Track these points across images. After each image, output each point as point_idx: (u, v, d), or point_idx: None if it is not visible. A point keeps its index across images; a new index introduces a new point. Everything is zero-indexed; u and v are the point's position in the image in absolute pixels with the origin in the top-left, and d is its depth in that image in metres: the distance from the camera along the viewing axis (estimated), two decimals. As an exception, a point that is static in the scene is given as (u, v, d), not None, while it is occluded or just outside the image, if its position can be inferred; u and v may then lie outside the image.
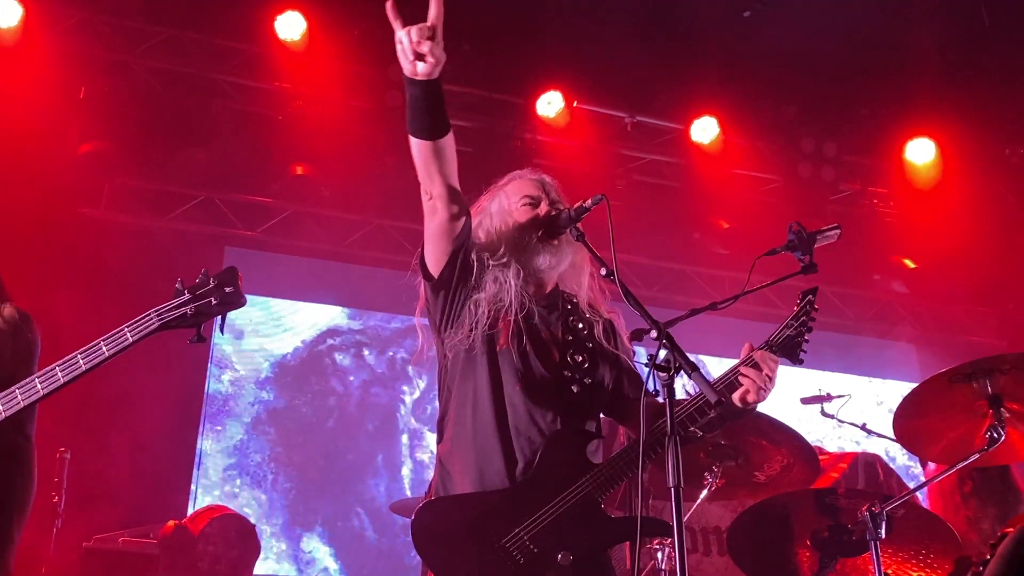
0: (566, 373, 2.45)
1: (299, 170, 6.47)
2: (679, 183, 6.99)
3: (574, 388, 2.44)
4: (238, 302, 2.36)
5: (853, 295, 7.73)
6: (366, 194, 6.53)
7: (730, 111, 6.56)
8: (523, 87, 6.42)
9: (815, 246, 2.53)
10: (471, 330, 2.42)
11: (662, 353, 2.02)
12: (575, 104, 6.48)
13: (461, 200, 2.45)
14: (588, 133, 6.64)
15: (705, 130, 6.63)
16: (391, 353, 7.02)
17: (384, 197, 6.47)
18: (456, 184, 2.44)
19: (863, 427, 4.85)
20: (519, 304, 2.45)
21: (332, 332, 6.99)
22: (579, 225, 2.44)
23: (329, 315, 7.04)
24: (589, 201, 2.38)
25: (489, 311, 2.44)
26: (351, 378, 6.91)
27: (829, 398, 4.91)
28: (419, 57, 2.19)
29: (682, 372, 2.00)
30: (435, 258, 2.47)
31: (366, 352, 6.99)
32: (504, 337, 2.43)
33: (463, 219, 2.45)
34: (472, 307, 2.44)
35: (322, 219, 6.73)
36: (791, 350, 2.44)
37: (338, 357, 6.94)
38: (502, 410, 2.39)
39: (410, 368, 6.95)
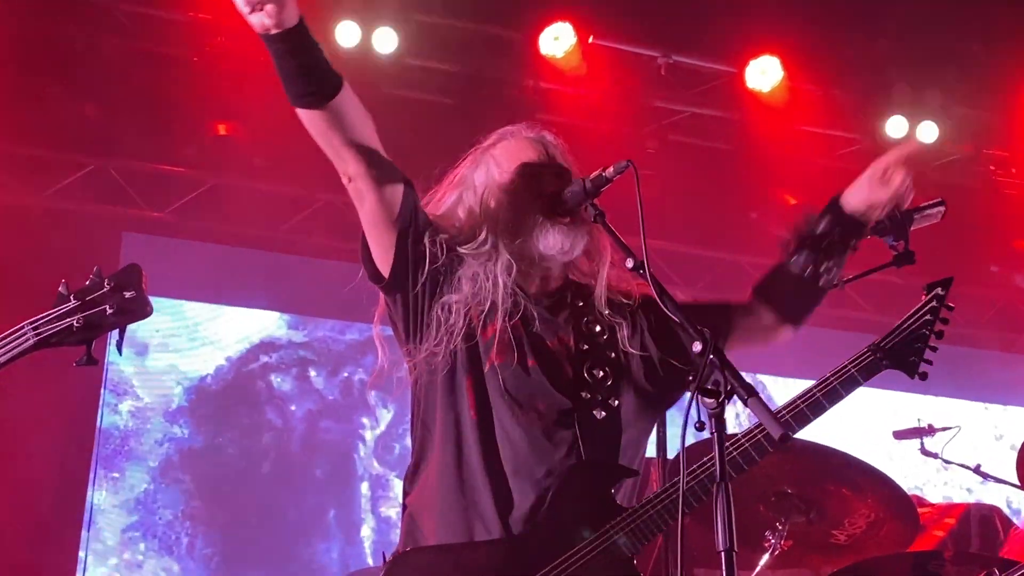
0: (584, 394, 2.47)
1: (221, 129, 6.48)
2: (730, 145, 7.00)
3: (597, 413, 2.47)
4: (142, 311, 2.38)
5: (964, 294, 7.71)
6: (310, 161, 6.50)
7: (797, 48, 6.57)
8: (521, 17, 6.42)
9: (911, 228, 2.56)
10: (444, 343, 2.44)
11: (710, 373, 2.04)
12: (591, 40, 6.49)
13: (390, 169, 2.48)
14: (608, 79, 6.65)
15: (764, 73, 6.64)
16: (346, 374, 7.03)
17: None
18: (377, 150, 2.46)
19: (977, 469, 4.88)
20: (511, 304, 2.47)
21: (267, 346, 6.99)
22: (597, 201, 2.44)
23: (262, 323, 7.05)
24: (611, 169, 2.38)
25: (467, 317, 2.46)
26: (293, 407, 6.92)
27: (931, 431, 4.94)
28: (256, 5, 2.20)
29: (735, 398, 2.01)
30: (380, 253, 2.50)
31: (313, 373, 7.00)
32: (495, 350, 2.44)
33: (400, 193, 2.47)
34: (441, 313, 2.46)
35: (252, 195, 6.74)
36: (909, 360, 2.46)
37: (275, 380, 6.95)
38: (492, 447, 2.41)
39: (371, 394, 6.96)
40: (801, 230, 2.62)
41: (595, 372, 2.49)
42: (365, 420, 6.98)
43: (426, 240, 2.48)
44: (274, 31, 2.24)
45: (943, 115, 6.80)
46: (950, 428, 4.91)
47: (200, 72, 6.19)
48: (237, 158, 6.53)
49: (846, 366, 2.50)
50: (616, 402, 2.49)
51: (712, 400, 2.00)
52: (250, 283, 6.90)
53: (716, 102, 6.88)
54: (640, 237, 2.27)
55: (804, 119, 6.86)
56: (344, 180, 2.46)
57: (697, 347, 2.06)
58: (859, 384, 2.50)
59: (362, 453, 6.93)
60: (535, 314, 2.51)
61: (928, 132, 6.77)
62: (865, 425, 8.37)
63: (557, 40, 6.40)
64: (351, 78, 2.43)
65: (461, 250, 2.51)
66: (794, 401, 2.47)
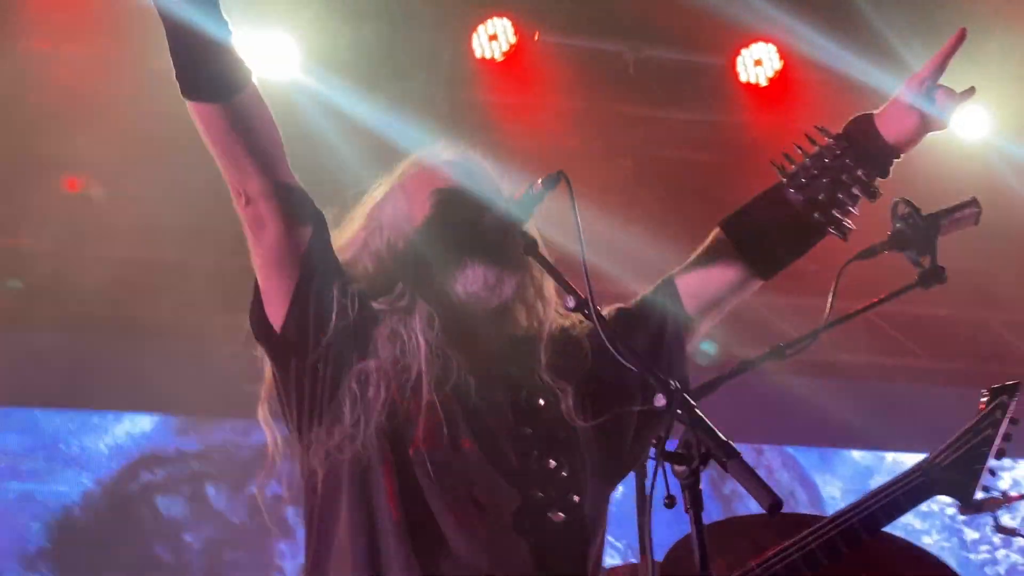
0: (537, 493, 2.44)
1: (69, 186, 6.47)
2: (723, 155, 7.09)
3: (554, 515, 2.44)
4: None
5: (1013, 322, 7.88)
6: (187, 217, 6.54)
7: (798, 31, 6.67)
8: (450, 13, 6.49)
9: (939, 236, 2.60)
10: (362, 424, 2.41)
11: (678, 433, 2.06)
12: (537, 37, 6.57)
13: (300, 194, 2.49)
14: (563, 83, 6.73)
15: (760, 63, 6.76)
16: (254, 488, 6.97)
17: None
18: (287, 169, 2.48)
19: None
20: (440, 370, 2.46)
21: (149, 460, 6.96)
22: (531, 227, 2.48)
23: (141, 431, 7.00)
24: (539, 184, 2.41)
25: (388, 389, 2.44)
26: (188, 537, 6.86)
27: (1008, 501, 4.98)
28: None
29: (711, 463, 2.02)
30: (274, 301, 2.49)
31: (211, 490, 6.95)
32: (421, 430, 2.42)
33: (311, 229, 2.49)
34: (355, 384, 2.44)
35: (113, 264, 6.72)
36: (963, 484, 2.49)
37: (162, 503, 6.89)
38: (428, 556, 2.37)
39: (290, 511, 6.91)
40: (811, 149, 2.59)
41: (545, 462, 2.47)
42: (283, 546, 6.94)
43: (335, 290, 2.48)
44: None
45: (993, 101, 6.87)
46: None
47: (38, 114, 6.20)
48: (91, 220, 6.54)
49: (891, 488, 2.52)
50: (576, 498, 2.48)
51: (683, 467, 2.01)
52: (120, 379, 6.86)
53: (702, 104, 6.96)
54: (582, 265, 2.28)
55: (814, 117, 6.92)
56: (239, 201, 2.46)
57: (660, 401, 2.08)
58: (903, 512, 2.54)
59: (282, 589, 6.89)
60: (470, 382, 2.49)
61: (976, 123, 6.80)
62: (931, 505, 8.46)
63: (494, 40, 6.49)
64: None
65: (375, 305, 2.51)
66: (824, 528, 2.50)
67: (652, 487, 1.99)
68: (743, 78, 6.76)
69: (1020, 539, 4.94)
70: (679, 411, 2.06)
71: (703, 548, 1.97)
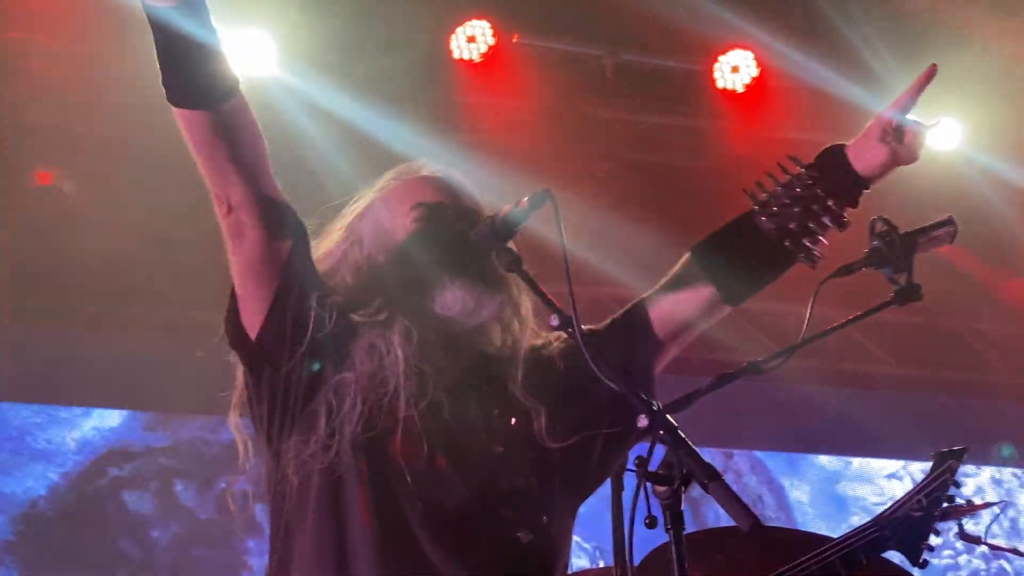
0: (506, 512, 2.46)
1: (41, 179, 6.44)
2: (700, 161, 7.11)
3: (523, 536, 2.45)
4: None
5: (980, 331, 7.93)
6: (162, 212, 6.51)
7: (775, 37, 6.70)
8: (428, 13, 6.49)
9: (915, 254, 2.62)
10: (337, 437, 2.41)
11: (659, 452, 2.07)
12: (515, 39, 6.58)
13: (282, 203, 2.50)
14: (541, 86, 6.74)
15: (737, 70, 6.78)
16: (223, 485, 6.97)
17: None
18: (271, 179, 2.49)
19: (1034, 557, 4.94)
20: (416, 386, 2.46)
21: (117, 455, 6.94)
22: (513, 244, 2.48)
23: (109, 426, 6.97)
24: (525, 203, 2.40)
25: (365, 402, 2.44)
26: (155, 533, 6.84)
27: (971, 510, 4.99)
28: None
29: (692, 484, 2.03)
30: (251, 310, 2.50)
31: (179, 486, 6.94)
32: (398, 446, 2.43)
33: (292, 239, 2.50)
34: (332, 396, 2.44)
35: (87, 260, 6.70)
36: (912, 541, 2.54)
37: (130, 498, 6.87)
38: (399, 573, 2.37)
39: (258, 508, 6.89)
40: (782, 178, 2.61)
41: (516, 482, 2.48)
42: (251, 543, 6.92)
43: (313, 300, 2.48)
44: (161, 5, 2.27)
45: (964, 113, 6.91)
46: (993, 504, 4.97)
47: (9, 106, 6.16)
48: (62, 215, 6.51)
49: (849, 540, 2.58)
50: (545, 518, 2.49)
51: (664, 488, 2.01)
52: (89, 373, 6.82)
53: (679, 108, 6.98)
54: (566, 281, 2.28)
55: (788, 125, 6.97)
56: (220, 209, 2.47)
57: (643, 422, 2.09)
58: (860, 565, 2.58)
59: (249, 588, 6.87)
60: (444, 400, 2.50)
61: (947, 134, 6.84)
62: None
63: (472, 42, 6.49)
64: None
65: (353, 317, 2.51)
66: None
67: (634, 507, 2.00)
68: (720, 84, 6.80)
69: (983, 546, 4.96)
70: (661, 432, 2.06)
71: (683, 568, 1.97)
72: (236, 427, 2.60)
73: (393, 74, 6.42)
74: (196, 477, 6.98)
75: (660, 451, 2.33)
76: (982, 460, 8.29)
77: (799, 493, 8.36)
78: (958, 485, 2.69)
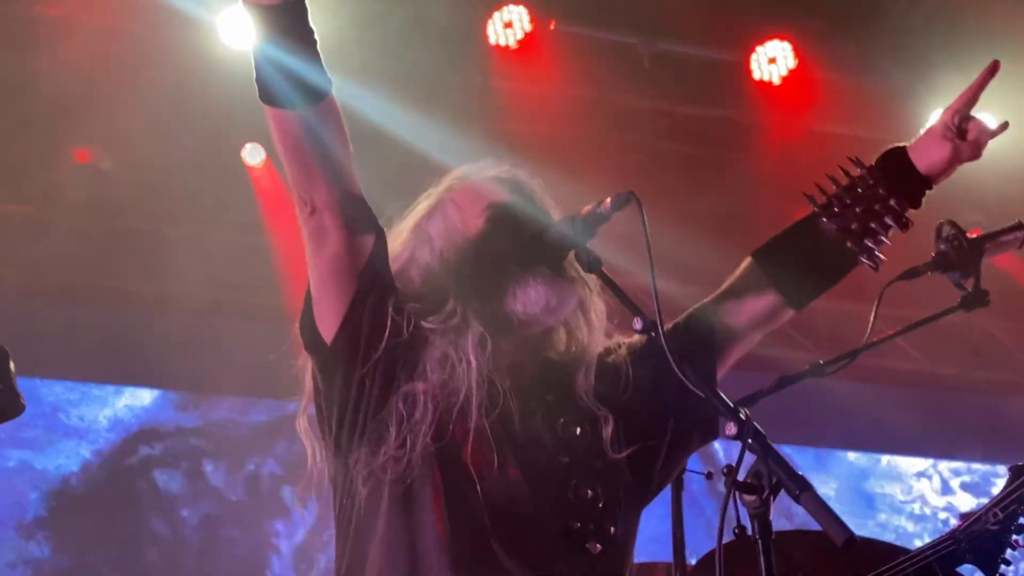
0: (575, 524, 2.42)
1: (79, 157, 6.45)
2: (734, 152, 7.08)
3: (592, 547, 2.42)
4: (13, 408, 2.37)
5: (1013, 330, 7.87)
6: (193, 194, 6.52)
7: (813, 29, 6.66)
8: (464, 1, 6.47)
9: (983, 260, 2.58)
10: (408, 446, 2.38)
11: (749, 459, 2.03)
12: (552, 26, 6.56)
13: (364, 208, 2.48)
14: (577, 74, 6.72)
15: (774, 61, 6.74)
16: (252, 467, 6.99)
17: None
18: (355, 183, 2.46)
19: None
20: (486, 396, 2.43)
21: (148, 434, 6.96)
22: (592, 245, 2.44)
23: (141, 405, 7.00)
24: (608, 203, 2.36)
25: (436, 412, 2.41)
26: (184, 512, 6.86)
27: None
28: None
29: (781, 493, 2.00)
30: (327, 314, 2.46)
31: (209, 467, 6.96)
32: (470, 454, 2.40)
33: (372, 241, 2.47)
34: (402, 405, 2.41)
35: (121, 239, 6.73)
36: (988, 555, 2.51)
37: (160, 477, 6.90)
38: None
39: (286, 490, 6.91)
40: (843, 180, 2.56)
41: (583, 492, 2.45)
42: (280, 526, 6.94)
43: (390, 306, 2.46)
44: (275, 0, 2.27)
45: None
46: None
47: (52, 83, 6.18)
48: (101, 192, 6.52)
49: (924, 552, 2.55)
50: (613, 528, 2.47)
51: (753, 497, 1.99)
52: (124, 353, 6.84)
53: (715, 100, 6.95)
54: (652, 291, 2.24)
55: (825, 117, 6.93)
56: (303, 211, 2.45)
57: (731, 429, 2.05)
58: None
59: (276, 568, 6.88)
60: (513, 408, 2.47)
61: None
62: (919, 503, 8.44)
63: (509, 28, 6.47)
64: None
65: (424, 324, 2.47)
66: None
67: (723, 516, 1.98)
68: (756, 75, 6.75)
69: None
70: (750, 440, 2.03)
71: (771, 570, 1.97)
72: (304, 431, 2.57)
73: (429, 58, 6.41)
74: (226, 458, 7.00)
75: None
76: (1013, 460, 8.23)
77: (827, 489, 8.32)
78: None
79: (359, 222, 2.45)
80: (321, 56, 2.37)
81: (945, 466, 8.51)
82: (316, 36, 2.36)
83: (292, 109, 2.37)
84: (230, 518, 6.90)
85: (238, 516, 6.91)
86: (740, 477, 2.01)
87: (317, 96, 2.37)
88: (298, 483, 2.60)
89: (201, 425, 7.05)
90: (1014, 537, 2.69)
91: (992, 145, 2.53)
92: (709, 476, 2.06)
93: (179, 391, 7.05)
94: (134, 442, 6.96)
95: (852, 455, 8.46)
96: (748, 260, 2.67)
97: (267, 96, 2.38)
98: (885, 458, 8.50)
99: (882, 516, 8.31)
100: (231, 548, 6.87)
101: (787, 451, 8.19)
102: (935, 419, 8.09)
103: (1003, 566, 2.62)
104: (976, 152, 2.53)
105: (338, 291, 2.45)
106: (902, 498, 8.41)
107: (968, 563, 2.62)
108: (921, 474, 8.50)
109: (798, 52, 6.69)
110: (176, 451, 6.97)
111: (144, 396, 7.02)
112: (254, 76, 2.38)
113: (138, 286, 6.83)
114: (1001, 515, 2.62)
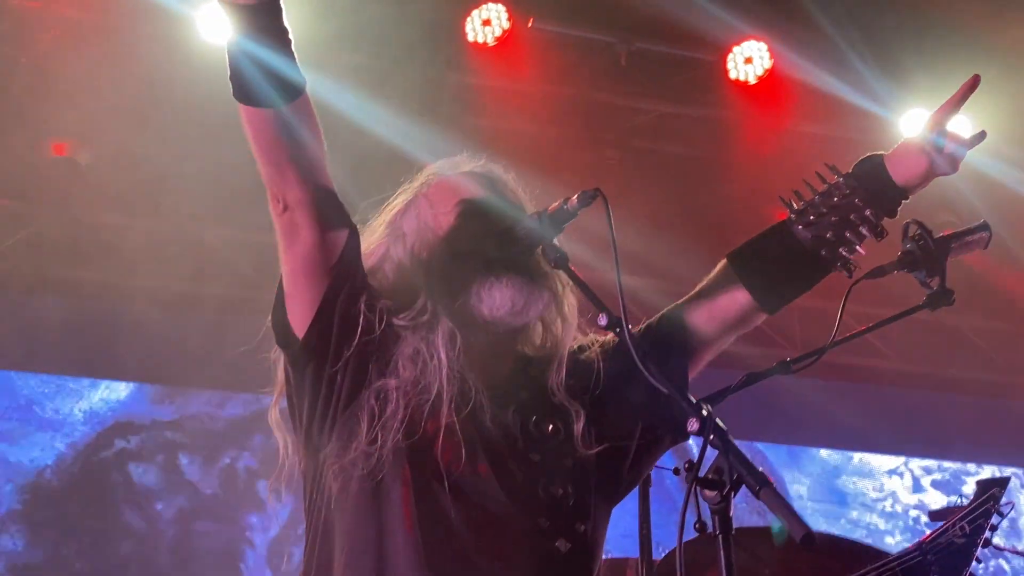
0: (543, 521, 2.43)
1: (56, 150, 6.43)
2: (709, 151, 7.10)
3: (561, 545, 2.43)
4: None
5: (1017, 332, 7.91)
6: (170, 188, 6.50)
7: (789, 29, 6.68)
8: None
9: (948, 259, 2.59)
10: (379, 441, 2.38)
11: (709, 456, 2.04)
12: (531, 24, 6.56)
13: (337, 204, 2.48)
14: (555, 72, 6.72)
15: (750, 61, 6.76)
16: (227, 460, 6.97)
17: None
18: (328, 180, 2.47)
19: (1034, 555, 4.92)
20: (457, 392, 2.43)
21: (123, 427, 6.94)
22: (559, 241, 2.45)
23: (117, 398, 6.97)
24: (575, 200, 2.36)
25: (408, 408, 2.41)
26: (159, 506, 6.84)
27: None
28: None
29: (742, 489, 2.00)
30: (299, 309, 2.46)
31: (184, 460, 6.94)
32: (440, 450, 2.40)
33: (344, 237, 2.47)
34: (373, 401, 2.41)
35: (98, 234, 6.69)
36: (954, 568, 2.53)
37: (135, 471, 6.87)
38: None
39: (262, 484, 6.90)
40: (819, 187, 2.55)
41: (553, 491, 2.45)
42: (254, 518, 6.92)
43: (362, 304, 2.46)
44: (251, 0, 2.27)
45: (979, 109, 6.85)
46: (1002, 505, 4.94)
47: (28, 76, 6.16)
48: (75, 184, 6.50)
49: (890, 564, 2.57)
50: (583, 527, 2.47)
51: (714, 493, 1.99)
52: (99, 346, 6.81)
53: (691, 98, 6.97)
54: (617, 288, 2.25)
55: (800, 116, 6.96)
56: (276, 208, 2.45)
57: (693, 425, 2.05)
58: None
59: (251, 562, 6.87)
60: (485, 405, 2.47)
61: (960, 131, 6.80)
62: (891, 501, 8.48)
63: (488, 25, 6.47)
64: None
65: (396, 321, 2.48)
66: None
67: (684, 512, 1.98)
68: (733, 75, 6.78)
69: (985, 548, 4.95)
70: (712, 436, 2.04)
71: (730, 565, 1.97)
72: (276, 423, 2.57)
73: (407, 55, 6.41)
74: (201, 451, 6.98)
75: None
76: (985, 459, 8.31)
77: (799, 487, 8.35)
78: (1002, 514, 2.69)
79: (332, 219, 2.45)
80: (295, 54, 2.36)
81: (916, 464, 8.55)
82: (291, 35, 2.35)
83: (266, 107, 2.37)
84: (205, 512, 6.88)
85: (213, 510, 6.90)
86: (702, 473, 2.01)
87: (291, 94, 2.37)
88: (284, 480, 2.61)
89: (177, 418, 7.02)
90: (979, 551, 2.72)
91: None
92: (677, 472, 2.05)
93: (155, 384, 7.03)
94: (109, 435, 6.93)
95: (825, 452, 8.48)
96: (723, 263, 2.67)
97: (241, 94, 2.38)
98: (857, 455, 8.54)
99: (854, 513, 8.34)
100: (205, 542, 6.84)
101: (761, 448, 8.23)
102: (907, 417, 8.14)
103: None
104: (953, 166, 2.51)
105: (310, 287, 2.45)
106: (874, 495, 8.44)
107: (934, 575, 2.65)
108: (893, 471, 8.53)
109: (773, 52, 6.72)
110: (151, 444, 6.95)
111: (120, 389, 6.99)
112: (228, 74, 2.37)
113: (114, 278, 6.80)
114: (968, 528, 2.64)
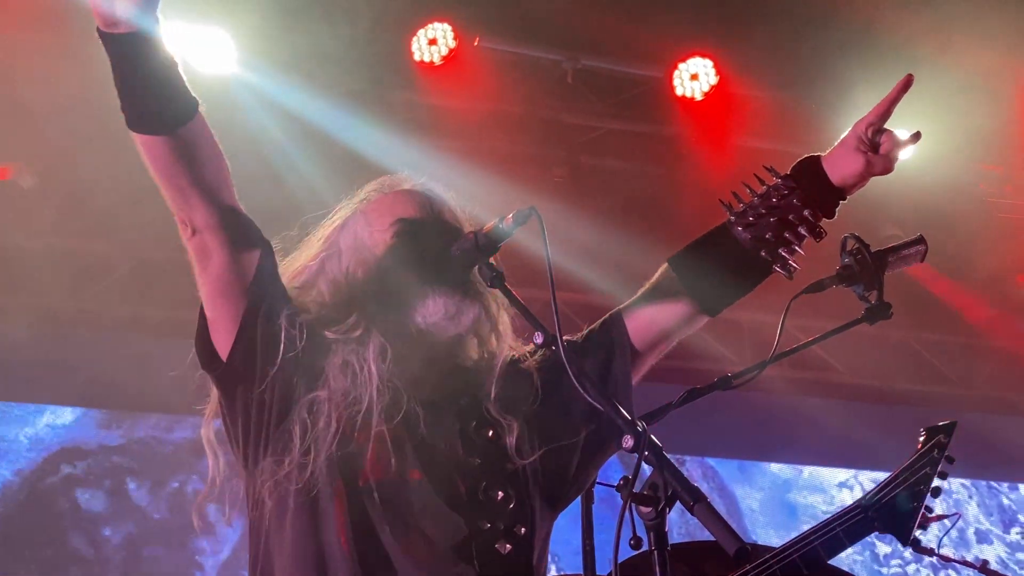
0: (484, 523, 2.43)
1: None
2: (658, 167, 7.13)
3: (501, 547, 2.43)
4: None
5: (964, 344, 7.98)
6: (116, 211, 6.45)
7: (734, 46, 6.73)
8: (390, 15, 6.46)
9: (886, 272, 2.61)
10: (312, 455, 2.38)
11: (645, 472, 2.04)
12: (476, 42, 6.57)
13: (246, 223, 2.49)
14: (501, 90, 6.73)
15: (696, 78, 6.80)
16: (176, 484, 6.92)
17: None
18: (233, 199, 2.47)
19: (984, 568, 4.95)
20: (389, 401, 2.43)
21: (70, 453, 6.88)
22: (496, 260, 2.45)
23: (63, 423, 6.90)
24: (510, 219, 2.37)
25: (339, 420, 2.41)
26: (107, 531, 6.78)
27: (924, 521, 4.99)
28: None
29: (676, 505, 2.01)
30: (220, 331, 2.48)
31: (132, 485, 6.88)
32: (370, 461, 2.40)
33: (257, 256, 2.48)
34: (305, 414, 2.41)
35: (40, 256, 6.63)
36: (903, 521, 2.53)
37: (82, 496, 6.81)
38: None
39: (211, 508, 6.82)
40: (758, 188, 2.58)
41: (492, 493, 2.46)
42: (205, 544, 6.87)
43: (283, 320, 2.46)
44: (121, 31, 2.25)
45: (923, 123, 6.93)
46: (947, 516, 4.97)
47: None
48: (19, 209, 6.43)
49: (831, 524, 2.56)
50: (523, 529, 2.47)
51: (649, 509, 2.01)
52: (42, 371, 6.75)
53: (637, 115, 7.01)
54: (551, 302, 2.25)
55: (747, 132, 6.99)
56: (185, 232, 2.45)
57: (628, 442, 2.06)
58: (844, 547, 2.57)
59: (201, 588, 6.82)
60: (419, 413, 2.47)
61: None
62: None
63: (434, 44, 6.48)
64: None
65: (327, 334, 2.49)
66: (767, 562, 2.51)
67: (619, 528, 1.98)
68: (679, 91, 6.81)
69: (932, 557, 4.96)
70: (647, 452, 2.04)
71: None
72: (208, 442, 2.58)
73: (354, 74, 6.40)
74: (149, 476, 6.91)
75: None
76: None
77: (751, 501, 8.37)
78: (951, 460, 2.68)
79: (242, 239, 2.46)
80: (184, 78, 2.36)
81: (866, 476, 8.58)
82: (176, 59, 2.35)
83: (157, 134, 2.36)
84: (154, 537, 6.82)
85: (162, 535, 6.83)
86: (637, 489, 2.02)
87: (181, 119, 2.37)
88: (222, 501, 2.59)
89: (124, 443, 6.97)
90: (929, 500, 2.69)
91: (910, 159, 2.56)
92: (618, 488, 2.06)
93: (102, 409, 6.97)
94: (55, 461, 6.86)
95: (775, 467, 8.51)
96: (664, 266, 2.69)
97: (132, 123, 2.37)
98: (808, 469, 8.57)
99: (805, 527, 8.36)
100: (155, 567, 6.78)
101: (712, 464, 8.25)
102: (856, 430, 8.18)
103: (918, 531, 2.63)
104: (888, 165, 2.55)
105: (228, 308, 2.46)
106: (825, 508, 8.47)
107: (878, 531, 2.62)
108: (843, 484, 8.57)
109: (719, 69, 6.77)
110: (99, 470, 6.89)
111: (66, 415, 6.92)
112: (120, 100, 2.36)
113: (58, 303, 6.74)
114: (911, 478, 2.64)
